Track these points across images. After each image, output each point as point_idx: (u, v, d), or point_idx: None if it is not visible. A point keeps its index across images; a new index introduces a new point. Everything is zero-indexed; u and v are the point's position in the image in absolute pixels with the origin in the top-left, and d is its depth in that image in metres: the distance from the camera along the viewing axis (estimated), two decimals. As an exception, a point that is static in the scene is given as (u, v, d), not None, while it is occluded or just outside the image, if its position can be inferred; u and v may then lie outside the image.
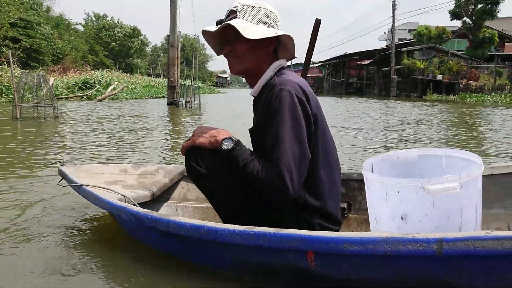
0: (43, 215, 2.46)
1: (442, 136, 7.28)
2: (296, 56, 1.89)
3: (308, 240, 1.37)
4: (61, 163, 2.45)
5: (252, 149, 1.76)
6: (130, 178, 2.56)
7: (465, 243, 1.20)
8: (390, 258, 1.31)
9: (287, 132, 1.57)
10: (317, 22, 2.53)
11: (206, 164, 1.72)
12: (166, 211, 2.43)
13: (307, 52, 2.49)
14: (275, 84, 1.65)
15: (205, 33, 1.77)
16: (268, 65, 1.77)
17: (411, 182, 1.49)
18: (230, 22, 1.66)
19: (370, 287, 1.45)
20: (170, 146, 5.68)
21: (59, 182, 2.33)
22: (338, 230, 1.77)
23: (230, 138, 1.70)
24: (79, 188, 2.12)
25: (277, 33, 1.70)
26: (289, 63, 1.99)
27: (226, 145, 1.68)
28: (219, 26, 1.69)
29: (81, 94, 18.52)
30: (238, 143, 1.69)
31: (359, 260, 1.37)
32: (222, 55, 1.84)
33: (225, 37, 1.76)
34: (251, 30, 1.66)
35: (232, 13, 1.73)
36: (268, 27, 1.72)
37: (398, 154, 1.87)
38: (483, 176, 2.08)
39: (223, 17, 1.77)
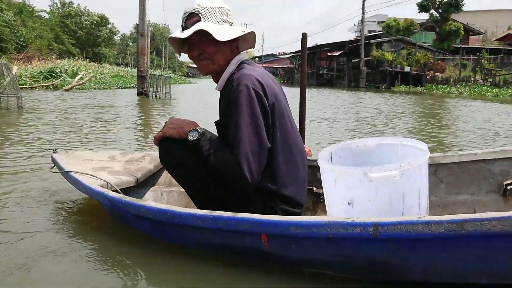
0: (34, 200, 2.56)
1: (413, 126, 7.46)
2: (254, 46, 1.96)
3: (260, 223, 1.50)
4: (53, 150, 2.60)
5: None
6: (117, 164, 2.65)
7: (398, 227, 1.31)
8: (333, 240, 1.42)
9: (245, 125, 1.67)
10: (304, 37, 2.75)
11: (176, 154, 1.83)
12: (152, 196, 2.53)
13: (301, 63, 2.69)
14: (233, 79, 1.74)
15: (172, 39, 1.83)
16: (230, 61, 1.85)
17: (355, 170, 1.58)
18: (201, 27, 1.71)
19: (321, 267, 1.59)
20: (142, 135, 5.59)
21: (51, 168, 2.45)
22: (300, 213, 1.85)
23: (196, 129, 1.79)
24: (66, 174, 2.25)
25: (243, 31, 1.80)
26: (260, 54, 2.02)
27: (192, 136, 1.77)
28: (191, 31, 1.73)
29: (46, 84, 17.93)
30: (203, 134, 1.78)
31: (306, 242, 1.49)
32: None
33: (188, 40, 1.79)
34: (220, 32, 1.74)
35: (193, 16, 1.77)
36: (230, 25, 1.82)
37: (358, 143, 1.95)
38: (452, 163, 2.23)
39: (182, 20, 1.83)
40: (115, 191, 2.09)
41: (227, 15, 1.81)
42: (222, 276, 1.66)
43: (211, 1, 1.80)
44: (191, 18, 1.77)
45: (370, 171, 1.54)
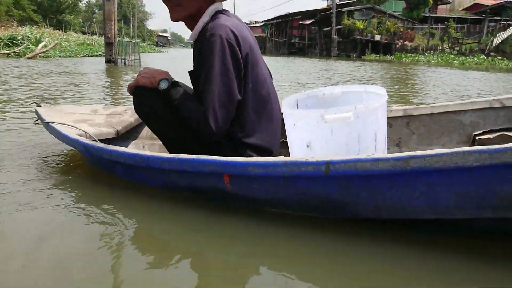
0: (18, 152, 2.65)
1: (388, 92, 7.61)
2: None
3: (222, 164, 1.59)
4: (37, 104, 2.69)
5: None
6: (98, 118, 2.70)
7: (348, 165, 1.37)
8: (290, 179, 1.51)
9: (215, 76, 1.69)
10: None
11: (149, 103, 1.88)
12: (133, 148, 2.58)
13: None
14: (207, 29, 1.74)
15: None
16: (205, 10, 1.84)
17: (312, 112, 1.63)
18: None
19: (281, 207, 1.69)
20: (112, 99, 5.50)
21: (35, 121, 2.50)
22: None
23: (166, 79, 1.83)
24: (47, 125, 2.32)
25: None
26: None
27: (163, 85, 1.81)
28: None
29: (7, 52, 17.15)
30: (174, 83, 1.83)
31: (265, 181, 1.58)
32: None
33: None
34: None
35: None
36: None
37: (324, 91, 1.98)
38: (425, 114, 2.31)
39: None
40: (94, 141, 2.13)
41: None
42: (193, 216, 1.73)
43: None
44: None
45: (326, 113, 1.58)
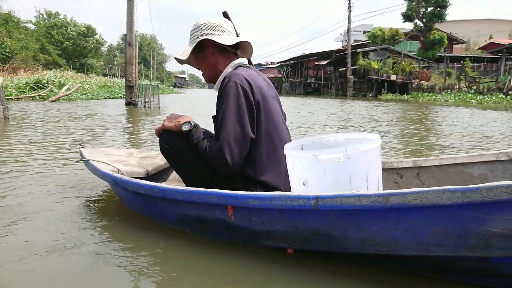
0: (58, 188, 3.01)
1: (407, 132, 7.55)
2: (249, 58, 2.27)
3: (225, 196, 1.76)
4: (82, 145, 3.07)
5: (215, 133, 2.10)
6: (132, 159, 3.00)
7: (335, 200, 1.50)
8: (284, 212, 1.65)
9: (230, 115, 1.91)
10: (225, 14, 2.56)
11: (173, 143, 2.11)
12: None
13: None
14: (225, 78, 2.02)
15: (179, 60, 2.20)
16: (225, 65, 2.12)
17: (307, 153, 1.77)
18: (176, 56, 2.16)
19: (279, 240, 1.78)
20: (132, 143, 5.56)
21: (77, 160, 2.96)
22: None
23: (189, 122, 2.08)
24: (87, 163, 2.61)
25: (195, 42, 2.09)
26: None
27: (185, 127, 2.06)
28: (178, 58, 2.17)
29: (32, 95, 17.74)
30: (195, 126, 2.08)
31: (263, 214, 1.73)
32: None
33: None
34: (184, 52, 2.14)
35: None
36: (207, 36, 2.08)
37: (328, 138, 2.08)
38: (434, 166, 2.41)
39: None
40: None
41: (201, 30, 2.10)
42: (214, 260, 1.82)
43: (193, 24, 2.15)
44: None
45: (319, 154, 1.72)
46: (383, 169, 2.43)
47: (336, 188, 1.71)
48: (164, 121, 2.14)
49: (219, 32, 2.10)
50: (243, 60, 2.15)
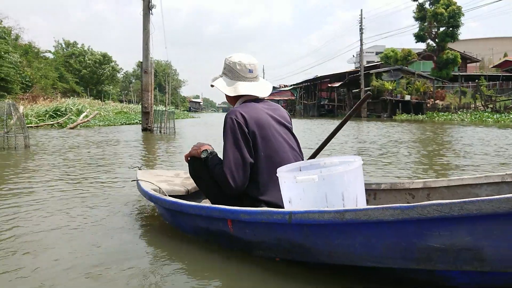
0: (112, 205, 3.47)
1: (426, 152, 7.48)
2: (257, 96, 2.52)
3: (224, 211, 2.08)
4: (139, 167, 3.56)
5: None
6: (178, 179, 3.35)
7: (304, 215, 1.74)
8: (268, 225, 1.93)
9: (229, 145, 2.26)
10: (368, 95, 3.06)
11: (196, 168, 2.53)
12: None
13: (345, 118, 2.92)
14: (226, 113, 2.37)
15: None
16: (235, 102, 2.54)
17: (289, 174, 2.00)
18: (214, 83, 2.52)
19: (268, 251, 2.06)
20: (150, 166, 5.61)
21: (132, 180, 3.46)
22: None
23: (207, 150, 2.48)
24: (137, 182, 3.04)
25: (237, 93, 2.45)
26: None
27: (203, 155, 2.47)
28: (213, 83, 2.54)
29: (51, 122, 18.13)
30: (211, 153, 2.47)
31: (253, 226, 2.02)
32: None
33: None
34: (226, 88, 2.49)
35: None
36: (236, 82, 2.46)
37: (325, 160, 2.27)
38: (443, 187, 2.56)
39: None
40: (164, 195, 2.73)
41: (224, 68, 2.51)
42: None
43: (232, 59, 2.50)
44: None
45: (298, 175, 1.95)
46: (396, 189, 2.65)
47: (314, 206, 1.91)
48: (191, 148, 2.55)
49: (232, 74, 2.48)
50: (249, 97, 2.48)
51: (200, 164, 2.47)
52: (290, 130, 2.48)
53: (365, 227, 1.62)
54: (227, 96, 2.53)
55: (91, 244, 2.46)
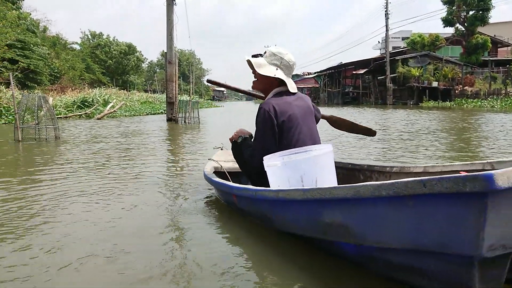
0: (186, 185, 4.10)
1: (460, 141, 7.34)
2: (293, 90, 2.76)
3: (230, 187, 2.74)
4: (221, 148, 4.03)
5: None
6: None
7: (259, 192, 2.30)
8: (250, 199, 2.52)
9: (258, 135, 2.68)
10: (373, 133, 3.66)
11: (234, 149, 2.98)
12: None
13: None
14: (261, 104, 2.69)
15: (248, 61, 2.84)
16: (269, 91, 2.78)
17: (266, 160, 2.42)
18: (251, 59, 2.77)
19: (259, 220, 2.62)
20: (177, 158, 5.72)
21: (208, 159, 3.89)
22: None
23: (242, 135, 2.92)
24: (207, 161, 3.80)
25: (275, 75, 2.67)
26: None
27: (238, 140, 2.92)
28: (250, 58, 2.79)
29: (79, 113, 18.57)
30: (244, 139, 2.91)
31: (243, 199, 2.64)
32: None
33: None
34: (263, 67, 2.71)
35: (261, 55, 2.82)
36: (277, 69, 2.69)
37: (312, 148, 2.53)
38: (439, 172, 2.69)
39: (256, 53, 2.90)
40: (223, 173, 3.41)
41: (281, 63, 2.71)
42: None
43: (276, 49, 2.77)
44: (259, 55, 2.82)
45: (268, 161, 2.41)
46: (404, 173, 2.83)
47: (281, 185, 2.33)
48: (234, 133, 2.99)
49: (288, 71, 2.74)
50: (282, 89, 2.74)
51: (236, 146, 2.92)
52: (313, 116, 2.83)
53: (290, 204, 2.09)
54: (264, 84, 2.77)
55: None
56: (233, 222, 2.83)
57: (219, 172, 3.43)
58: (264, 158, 2.44)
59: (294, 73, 2.86)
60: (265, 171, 2.45)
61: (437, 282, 1.56)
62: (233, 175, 3.38)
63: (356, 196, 1.62)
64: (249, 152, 2.75)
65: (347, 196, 1.66)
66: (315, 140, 2.72)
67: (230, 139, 3.00)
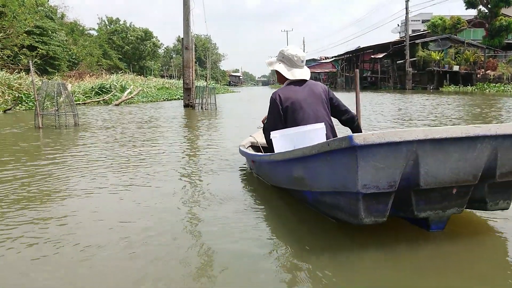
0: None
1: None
2: (293, 77, 3.40)
3: (249, 155, 3.72)
4: (259, 127, 4.42)
5: None
6: None
7: (253, 156, 3.60)
8: (256, 162, 3.62)
9: (269, 116, 3.38)
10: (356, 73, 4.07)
11: (265, 127, 3.51)
12: None
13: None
14: (272, 93, 3.41)
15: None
16: (283, 82, 3.48)
17: (275, 133, 3.19)
18: (267, 60, 3.57)
19: (265, 177, 3.63)
20: (191, 146, 5.70)
21: (250, 135, 4.73)
22: None
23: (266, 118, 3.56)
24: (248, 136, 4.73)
25: (274, 68, 3.45)
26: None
27: (265, 121, 3.56)
28: (267, 62, 3.59)
29: (97, 99, 18.72)
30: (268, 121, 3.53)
31: (256, 163, 3.62)
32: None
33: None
34: (271, 65, 3.51)
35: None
36: (279, 63, 3.42)
37: (308, 127, 3.21)
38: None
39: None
40: (258, 147, 4.18)
41: (283, 57, 3.41)
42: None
43: (282, 48, 3.49)
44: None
45: (272, 135, 3.19)
46: None
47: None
48: (264, 117, 3.67)
49: (290, 62, 3.39)
50: (292, 80, 3.38)
51: (265, 126, 3.53)
52: (323, 101, 3.32)
53: (276, 164, 3.01)
54: (279, 77, 3.46)
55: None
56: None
57: (255, 146, 4.30)
58: (271, 133, 3.21)
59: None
60: (272, 144, 3.23)
61: (346, 214, 2.25)
62: (266, 149, 3.82)
63: (303, 155, 2.40)
64: (263, 128, 3.59)
65: (299, 155, 2.45)
66: (318, 120, 3.21)
67: (262, 120, 3.80)
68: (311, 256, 2.16)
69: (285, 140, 3.10)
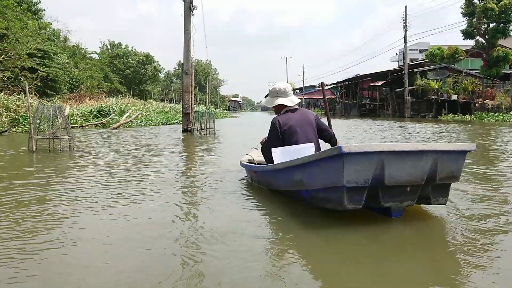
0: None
1: (493, 165, 6.99)
2: (292, 104, 4.31)
3: (251, 167, 4.57)
4: (256, 148, 5.44)
5: None
6: None
7: (267, 167, 4.09)
8: (257, 172, 4.44)
9: (269, 137, 4.21)
10: (322, 85, 5.40)
11: (262, 146, 4.50)
12: None
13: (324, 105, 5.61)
14: (273, 118, 4.22)
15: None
16: (280, 111, 4.30)
17: (277, 150, 4.01)
18: (263, 100, 4.66)
19: (267, 185, 4.37)
20: (191, 173, 5.54)
21: (245, 154, 5.55)
22: None
23: (265, 139, 4.39)
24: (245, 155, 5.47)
25: (278, 103, 4.29)
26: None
27: (263, 141, 4.42)
28: (263, 100, 4.71)
29: (96, 122, 18.63)
30: (266, 141, 4.38)
31: (257, 173, 4.47)
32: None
33: None
34: (270, 102, 4.39)
35: (268, 95, 4.56)
36: (277, 98, 4.31)
37: (302, 146, 4.04)
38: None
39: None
40: (254, 162, 4.87)
41: (277, 93, 4.34)
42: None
43: (271, 86, 4.49)
44: (267, 95, 4.57)
45: (273, 150, 3.98)
46: None
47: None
48: (262, 138, 4.52)
49: (284, 94, 4.32)
50: (287, 108, 4.27)
51: (262, 145, 4.43)
52: (313, 126, 4.18)
53: (278, 172, 3.77)
54: (277, 109, 4.34)
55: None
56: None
57: (252, 162, 4.96)
58: (272, 149, 4.02)
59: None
60: (273, 157, 3.96)
61: (334, 204, 3.06)
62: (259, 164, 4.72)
63: (303, 162, 3.23)
64: (263, 148, 4.42)
65: (299, 163, 3.29)
66: (309, 141, 4.05)
67: (260, 142, 4.56)
68: (308, 234, 3.02)
69: (284, 155, 3.91)
